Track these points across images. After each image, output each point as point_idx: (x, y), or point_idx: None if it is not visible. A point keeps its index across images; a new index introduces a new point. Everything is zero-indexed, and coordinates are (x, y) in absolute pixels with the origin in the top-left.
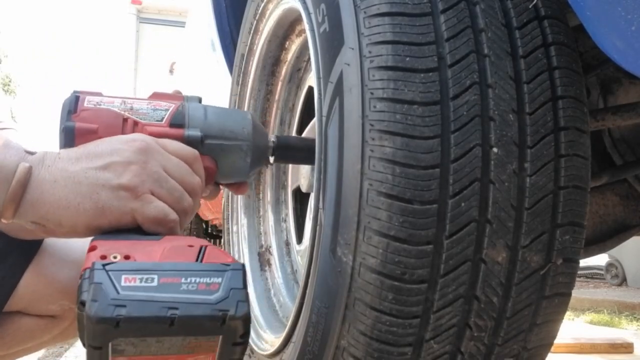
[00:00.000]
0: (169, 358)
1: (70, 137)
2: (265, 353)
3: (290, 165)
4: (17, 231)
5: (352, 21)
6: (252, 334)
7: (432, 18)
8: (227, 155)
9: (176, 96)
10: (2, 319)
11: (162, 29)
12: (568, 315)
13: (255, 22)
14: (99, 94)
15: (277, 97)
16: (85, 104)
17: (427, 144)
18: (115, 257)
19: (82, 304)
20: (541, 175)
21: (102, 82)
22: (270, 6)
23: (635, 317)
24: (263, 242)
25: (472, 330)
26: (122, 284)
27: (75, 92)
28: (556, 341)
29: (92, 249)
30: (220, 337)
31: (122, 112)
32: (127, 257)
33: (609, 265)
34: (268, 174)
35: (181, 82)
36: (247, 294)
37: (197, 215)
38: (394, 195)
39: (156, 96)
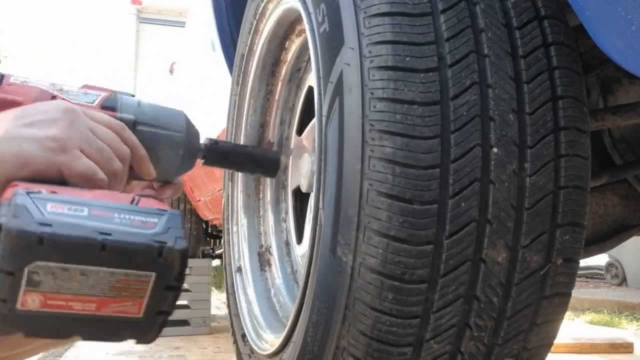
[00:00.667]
0: (89, 300)
1: None
2: (265, 353)
3: (291, 166)
4: None
5: (352, 21)
6: (252, 333)
7: (432, 18)
8: (159, 146)
9: (108, 89)
10: None
11: (162, 29)
12: (568, 315)
13: (255, 22)
14: (27, 78)
15: (277, 97)
16: (11, 80)
17: (427, 144)
18: (39, 192)
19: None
20: (541, 175)
21: (102, 82)
22: (270, 6)
23: (635, 317)
24: (263, 242)
25: (472, 330)
26: (48, 209)
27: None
28: (556, 341)
29: (12, 186)
30: (154, 275)
31: (51, 91)
32: (52, 193)
33: (609, 265)
34: None
35: (181, 82)
36: (186, 235)
37: (197, 215)
38: (394, 195)
39: (88, 87)
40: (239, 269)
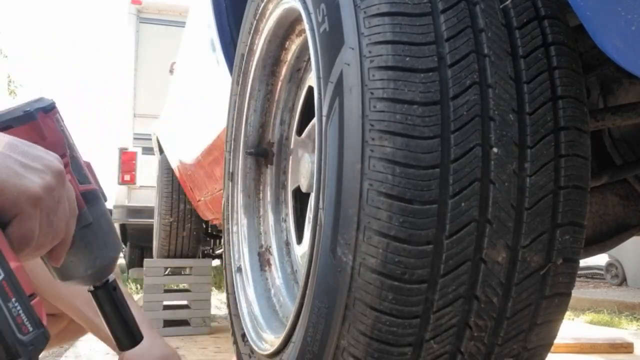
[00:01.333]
0: None
1: None
2: (265, 353)
3: (290, 165)
4: None
5: (352, 21)
6: (252, 333)
7: (432, 18)
8: (83, 255)
9: (96, 182)
10: None
11: (162, 29)
12: (568, 315)
13: (255, 22)
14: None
15: (277, 97)
16: (56, 116)
17: (427, 144)
18: None
19: None
20: (541, 175)
21: (102, 82)
22: (270, 6)
23: (635, 317)
24: (263, 242)
25: (472, 330)
26: None
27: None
28: (556, 341)
29: None
30: None
31: (65, 150)
32: None
33: (609, 265)
34: (268, 174)
35: (181, 82)
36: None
37: (197, 215)
38: (394, 195)
39: (89, 166)
40: (239, 269)
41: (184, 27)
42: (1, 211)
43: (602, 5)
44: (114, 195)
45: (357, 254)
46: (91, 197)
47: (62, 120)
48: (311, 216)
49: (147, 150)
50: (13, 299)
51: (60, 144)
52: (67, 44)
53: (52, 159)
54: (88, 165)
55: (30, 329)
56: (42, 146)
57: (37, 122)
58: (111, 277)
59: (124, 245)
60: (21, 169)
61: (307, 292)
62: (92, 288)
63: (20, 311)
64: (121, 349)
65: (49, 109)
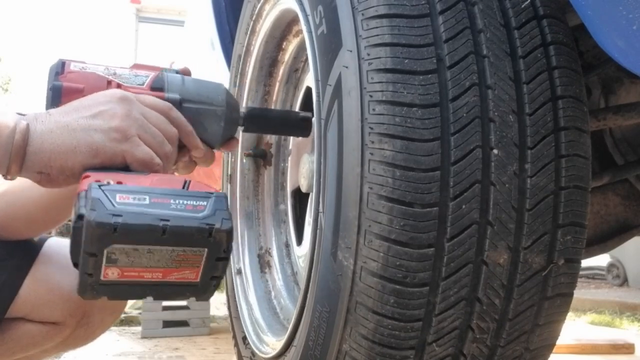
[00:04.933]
0: (156, 271)
1: (58, 95)
2: (266, 356)
3: (290, 167)
4: (7, 221)
5: (350, 23)
6: (253, 336)
7: (430, 19)
8: (203, 119)
9: (156, 67)
10: (5, 325)
11: (161, 28)
12: (569, 315)
13: (252, 22)
14: (83, 62)
15: (274, 98)
16: (71, 67)
17: (427, 147)
18: (108, 183)
19: (80, 216)
20: (542, 176)
21: None
22: (267, 7)
23: (636, 318)
24: (262, 244)
25: (474, 333)
26: (117, 200)
27: (60, 59)
28: (557, 342)
29: (85, 177)
30: (206, 250)
31: (106, 76)
32: (119, 183)
33: (611, 265)
34: (267, 175)
35: None
36: (230, 215)
37: None
38: (394, 199)
39: (137, 66)
40: (239, 272)
41: (183, 26)
42: (111, 161)
43: (603, 5)
44: None
45: (358, 258)
46: (160, 83)
47: (84, 64)
48: (311, 219)
49: None
50: (171, 201)
51: (96, 80)
52: (66, 43)
53: (107, 93)
54: (135, 66)
55: (204, 203)
56: (85, 94)
57: (63, 85)
58: (242, 109)
59: None
60: (96, 122)
61: (308, 295)
62: (242, 130)
63: (184, 202)
64: (306, 134)
65: (61, 68)
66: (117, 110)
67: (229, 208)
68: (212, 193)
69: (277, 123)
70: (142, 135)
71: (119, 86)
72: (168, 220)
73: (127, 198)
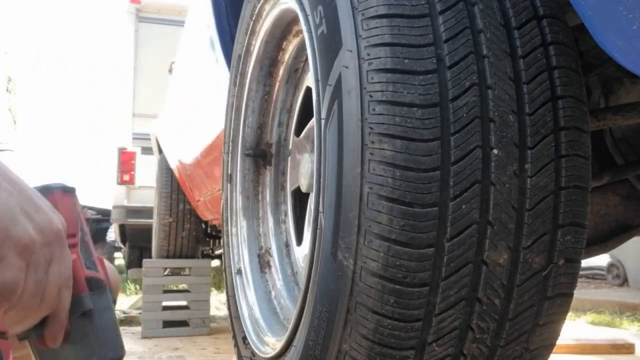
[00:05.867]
0: None
1: None
2: (266, 356)
3: (289, 166)
4: None
5: (350, 23)
6: (253, 336)
7: (430, 19)
8: (81, 348)
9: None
10: None
11: (161, 28)
12: (569, 315)
13: (252, 23)
14: None
15: (274, 98)
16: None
17: (427, 147)
18: None
19: None
20: (542, 176)
21: (101, 82)
22: (267, 7)
23: (636, 318)
24: (262, 244)
25: (474, 333)
26: None
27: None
28: (557, 342)
29: None
30: None
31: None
32: None
33: (611, 265)
34: (267, 175)
35: (180, 82)
36: None
37: (196, 216)
38: (394, 199)
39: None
40: (239, 271)
41: (183, 26)
42: None
43: (603, 5)
44: (113, 196)
45: (358, 258)
46: (96, 286)
47: (79, 206)
48: (311, 219)
49: (146, 150)
50: None
51: (73, 223)
52: (66, 43)
53: (55, 218)
54: (101, 259)
55: None
56: None
57: (54, 196)
58: None
59: (123, 246)
60: (19, 214)
61: (308, 295)
62: None
63: None
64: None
65: (68, 190)
66: (52, 240)
67: None
68: None
69: None
70: (32, 273)
71: None
72: None
73: None
